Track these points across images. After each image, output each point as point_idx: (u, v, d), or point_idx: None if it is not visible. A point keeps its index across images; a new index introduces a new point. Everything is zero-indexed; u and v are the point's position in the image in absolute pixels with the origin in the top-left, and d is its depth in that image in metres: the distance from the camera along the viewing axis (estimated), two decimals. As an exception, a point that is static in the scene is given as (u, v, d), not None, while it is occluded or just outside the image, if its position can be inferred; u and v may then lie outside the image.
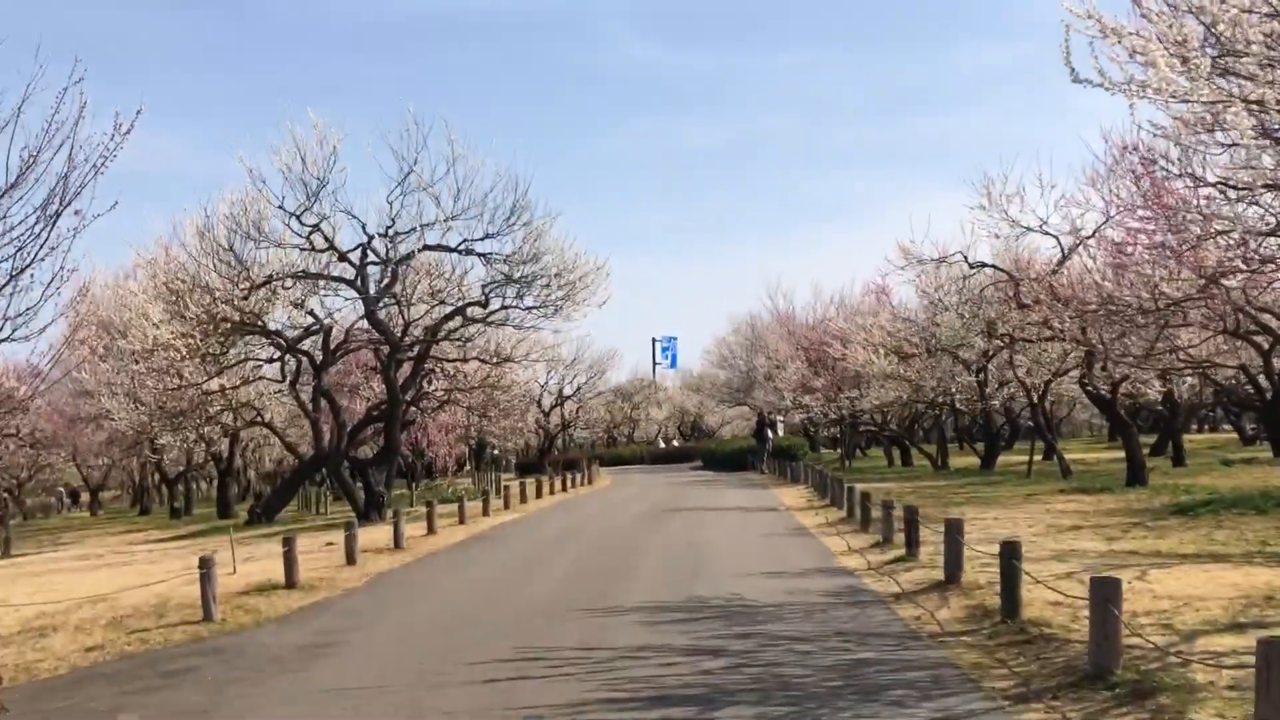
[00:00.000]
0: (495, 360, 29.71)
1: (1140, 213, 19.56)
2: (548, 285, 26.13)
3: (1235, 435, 49.41)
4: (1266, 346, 18.58)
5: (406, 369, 28.36)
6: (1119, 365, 22.18)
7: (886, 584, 12.83)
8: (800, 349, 48.39)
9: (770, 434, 50.44)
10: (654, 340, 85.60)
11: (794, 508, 25.78)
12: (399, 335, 26.41)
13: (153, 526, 40.16)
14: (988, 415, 38.95)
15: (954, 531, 12.08)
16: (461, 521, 23.69)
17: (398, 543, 19.16)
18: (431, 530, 21.56)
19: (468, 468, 66.61)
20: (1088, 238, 22.42)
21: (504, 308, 27.34)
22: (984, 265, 27.91)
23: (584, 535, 20.73)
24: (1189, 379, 31.97)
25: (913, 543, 14.39)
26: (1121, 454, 42.92)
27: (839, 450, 51.57)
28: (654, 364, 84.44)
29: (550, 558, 17.07)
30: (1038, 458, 43.63)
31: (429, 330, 27.01)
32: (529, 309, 27.13)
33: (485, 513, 25.80)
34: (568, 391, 62.85)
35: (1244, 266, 12.77)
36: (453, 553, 18.69)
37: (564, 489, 36.57)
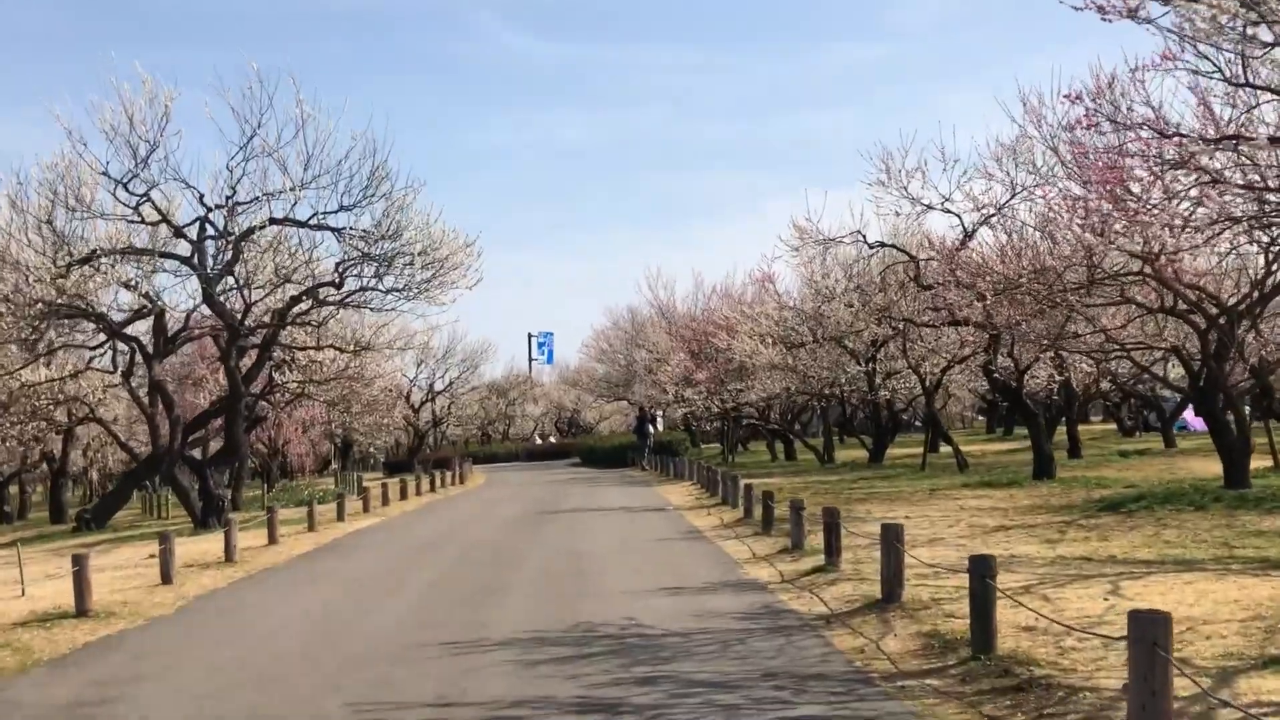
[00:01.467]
0: (353, 349, 26.87)
1: (1065, 183, 18.00)
2: (411, 264, 23.46)
3: (1109, 427, 49.23)
4: (1204, 325, 17.03)
5: (253, 359, 25.42)
6: (1032, 349, 20.62)
7: (809, 602, 10.69)
8: (682, 340, 46.48)
9: (651, 429, 48.44)
10: (530, 335, 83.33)
11: (682, 507, 23.67)
12: (239, 319, 23.48)
13: (-23, 534, 36.38)
14: (876, 407, 37.46)
15: (893, 538, 9.98)
16: (311, 529, 20.93)
17: (229, 556, 16.42)
18: (273, 540, 18.81)
19: (334, 466, 63.30)
20: (999, 208, 20.79)
21: (362, 289, 24.61)
22: (883, 245, 26.14)
23: (451, 543, 18.23)
24: (1085, 367, 30.86)
25: (833, 550, 12.31)
26: (1009, 445, 42.26)
27: (722, 445, 49.89)
28: (530, 359, 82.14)
29: (409, 573, 14.58)
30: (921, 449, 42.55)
31: (277, 314, 24.12)
32: (390, 291, 24.44)
33: (340, 518, 23.04)
34: (439, 386, 59.94)
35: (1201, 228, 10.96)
36: (294, 568, 16.02)
37: (433, 489, 33.87)
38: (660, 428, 52.49)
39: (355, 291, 24.80)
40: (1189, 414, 50.82)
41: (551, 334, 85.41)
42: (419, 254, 23.58)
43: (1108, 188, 15.36)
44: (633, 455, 47.96)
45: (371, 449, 64.42)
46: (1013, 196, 22.29)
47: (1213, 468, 25.86)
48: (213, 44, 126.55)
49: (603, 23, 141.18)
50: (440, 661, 8.81)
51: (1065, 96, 14.10)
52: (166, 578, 14.13)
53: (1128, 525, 14.84)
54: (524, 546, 17.01)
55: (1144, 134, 12.92)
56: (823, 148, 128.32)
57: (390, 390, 46.83)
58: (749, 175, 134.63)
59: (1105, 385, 36.18)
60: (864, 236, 25.67)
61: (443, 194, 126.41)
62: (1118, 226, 15.87)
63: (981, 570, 7.82)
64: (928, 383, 30.96)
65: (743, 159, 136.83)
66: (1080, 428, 53.53)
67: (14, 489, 46.90)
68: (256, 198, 22.86)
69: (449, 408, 62.43)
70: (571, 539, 17.88)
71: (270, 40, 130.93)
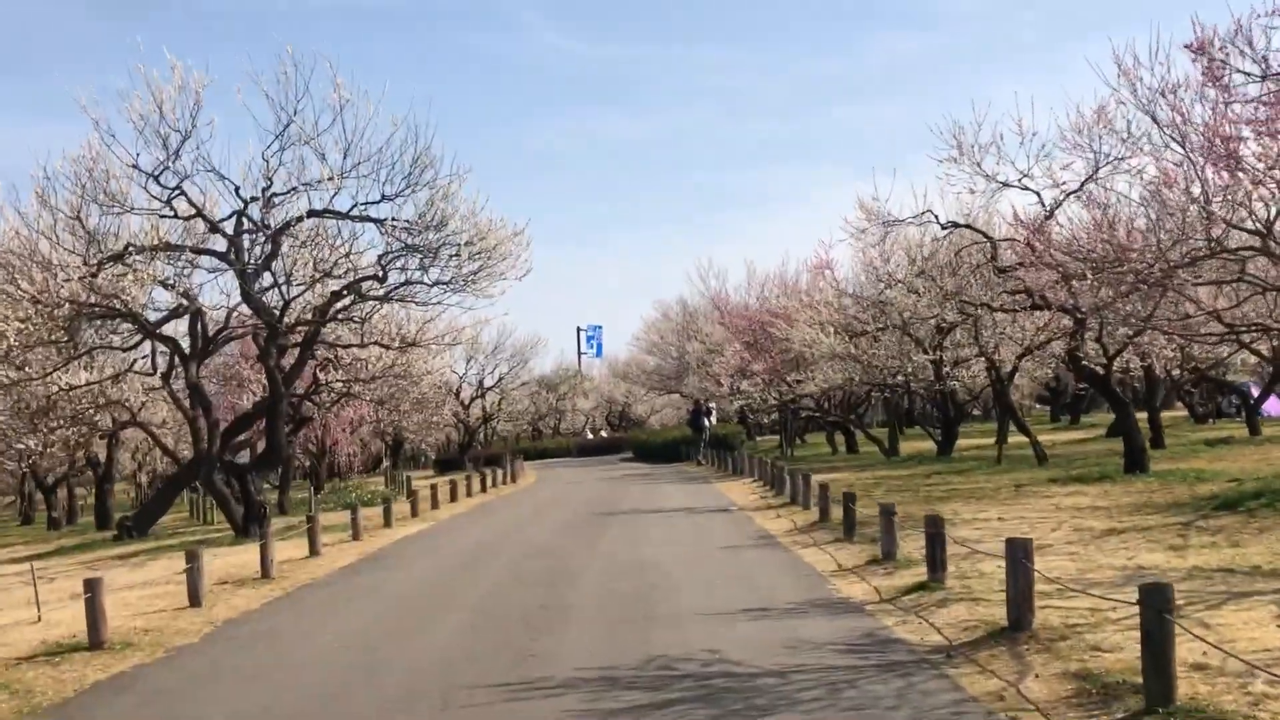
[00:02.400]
0: (398, 345, 25.64)
1: (1167, 150, 16.44)
2: (456, 254, 22.21)
3: (1178, 414, 47.15)
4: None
5: (295, 358, 24.28)
6: (1128, 333, 18.98)
7: (920, 629, 9.24)
8: (736, 331, 45.01)
9: (707, 422, 46.99)
10: (579, 329, 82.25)
11: (748, 507, 22.25)
12: (278, 316, 22.33)
13: (23, 540, 35.67)
14: (943, 396, 35.80)
15: (1020, 554, 8.50)
16: (356, 537, 19.70)
17: (265, 571, 15.21)
18: (314, 551, 17.59)
19: (385, 465, 62.41)
20: (1089, 179, 19.07)
21: (406, 283, 23.40)
22: (956, 225, 24.46)
23: (502, 554, 16.91)
24: (1167, 352, 29.09)
25: (937, 564, 10.83)
26: (1079, 435, 40.35)
27: (780, 437, 48.41)
28: (579, 353, 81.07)
29: (458, 589, 13.27)
30: (991, 440, 40.67)
31: (318, 310, 22.95)
32: (436, 284, 23.21)
33: (387, 524, 21.83)
34: (489, 382, 58.87)
35: None
36: (334, 584, 14.75)
37: (484, 489, 32.65)
38: (714, 421, 50.98)
39: (399, 285, 23.64)
40: (1269, 402, 48.70)
41: (600, 327, 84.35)
42: (465, 244, 22.34)
43: (1227, 148, 13.84)
44: (688, 449, 46.59)
45: (422, 446, 63.52)
46: (1097, 170, 20.71)
47: (1316, 458, 24.11)
48: (246, 45, 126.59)
49: (642, 22, 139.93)
50: (492, 709, 7.49)
51: (1186, 46, 12.50)
52: (195, 599, 12.92)
53: (1255, 528, 13.25)
54: (582, 556, 15.67)
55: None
56: (871, 139, 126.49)
57: (439, 387, 45.81)
58: (796, 169, 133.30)
59: (1177, 372, 34.21)
60: (936, 216, 24.03)
61: (490, 194, 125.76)
62: (1241, 194, 14.35)
63: (1157, 602, 6.34)
64: (1002, 371, 29.29)
65: (790, 153, 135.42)
66: (1143, 414, 51.48)
67: (63, 493, 46.36)
68: (294, 188, 21.73)
69: (499, 403, 61.36)
70: (633, 546, 16.53)
71: (308, 40, 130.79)
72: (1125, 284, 16.52)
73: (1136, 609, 8.29)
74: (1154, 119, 16.74)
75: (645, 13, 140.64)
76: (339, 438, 36.02)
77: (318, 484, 41.21)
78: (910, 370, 33.34)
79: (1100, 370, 22.88)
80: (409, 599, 12.75)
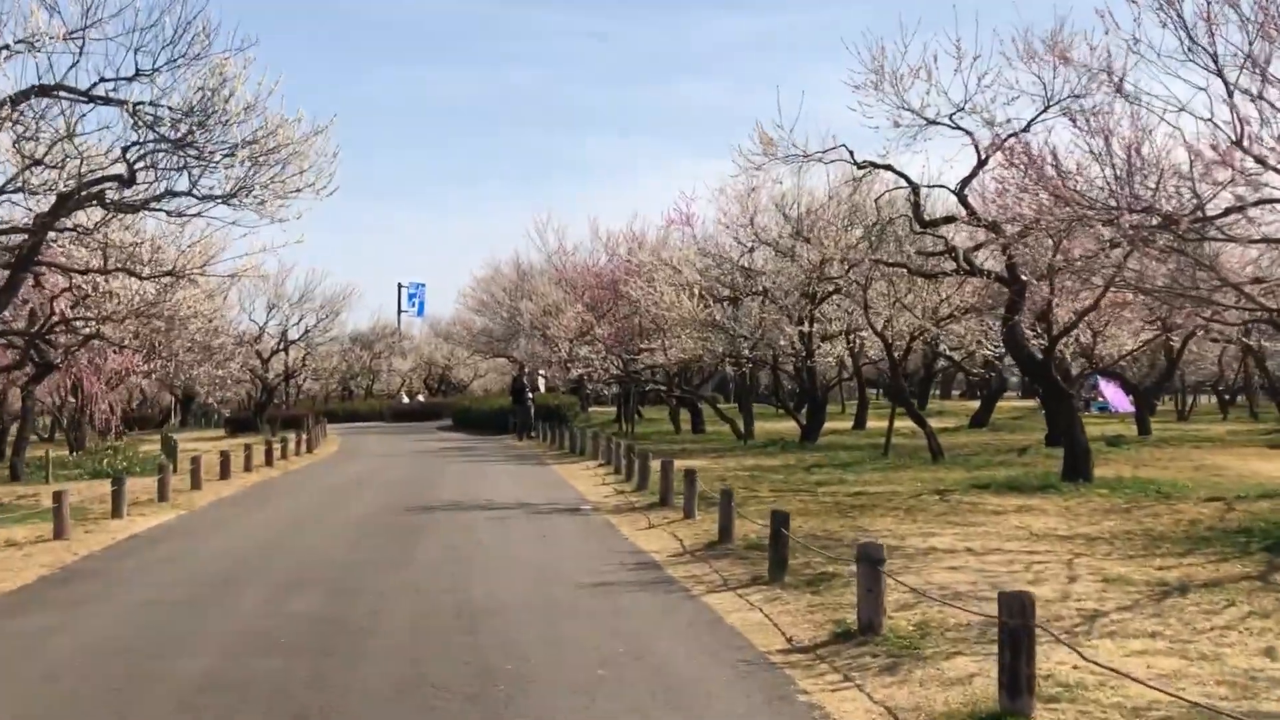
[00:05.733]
0: (149, 274, 19.62)
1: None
2: (231, 154, 16.51)
3: (1028, 404, 44.96)
4: None
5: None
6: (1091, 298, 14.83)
7: None
8: (576, 291, 40.16)
9: (530, 395, 41.84)
10: (400, 286, 76.23)
11: (604, 506, 17.35)
12: (-29, 219, 16.28)
13: None
14: (810, 375, 31.72)
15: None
16: (58, 534, 13.93)
17: None
18: (-22, 562, 11.86)
19: (173, 422, 55.45)
20: (1051, 105, 14.80)
21: (168, 193, 17.54)
22: (874, 165, 19.85)
23: (258, 579, 11.45)
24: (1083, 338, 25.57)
25: (1020, 684, 5.95)
26: (937, 424, 36.59)
27: (619, 412, 43.87)
28: (399, 311, 75.13)
29: (159, 662, 7.90)
30: (844, 425, 37.04)
31: (38, 218, 16.93)
32: (206, 197, 17.41)
33: (116, 512, 16.06)
34: (294, 334, 52.39)
35: None
36: (-33, 632, 9.16)
37: (269, 462, 26.75)
38: (540, 390, 45.86)
39: (159, 197, 17.75)
40: (1111, 393, 46.67)
41: (423, 285, 78.70)
42: (247, 143, 16.68)
43: None
44: (513, 422, 41.49)
45: (215, 403, 56.78)
46: (1049, 103, 16.62)
47: (1253, 463, 21.00)
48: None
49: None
50: None
51: None
52: None
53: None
54: (379, 591, 10.44)
55: None
56: (698, 117, 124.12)
57: (232, 336, 39.43)
58: (628, 141, 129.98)
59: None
60: (851, 152, 19.45)
61: (283, 81, 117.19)
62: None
63: None
64: (893, 348, 25.27)
65: (621, 125, 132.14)
66: (958, 403, 49.09)
67: None
68: (7, 45, 15.67)
69: (304, 359, 55.00)
70: (458, 574, 11.37)
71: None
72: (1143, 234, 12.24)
73: None
74: (1178, 16, 12.60)
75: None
76: (94, 390, 29.56)
77: (77, 444, 34.56)
78: (782, 343, 29.16)
79: (1039, 354, 18.70)
80: (73, 679, 7.34)
